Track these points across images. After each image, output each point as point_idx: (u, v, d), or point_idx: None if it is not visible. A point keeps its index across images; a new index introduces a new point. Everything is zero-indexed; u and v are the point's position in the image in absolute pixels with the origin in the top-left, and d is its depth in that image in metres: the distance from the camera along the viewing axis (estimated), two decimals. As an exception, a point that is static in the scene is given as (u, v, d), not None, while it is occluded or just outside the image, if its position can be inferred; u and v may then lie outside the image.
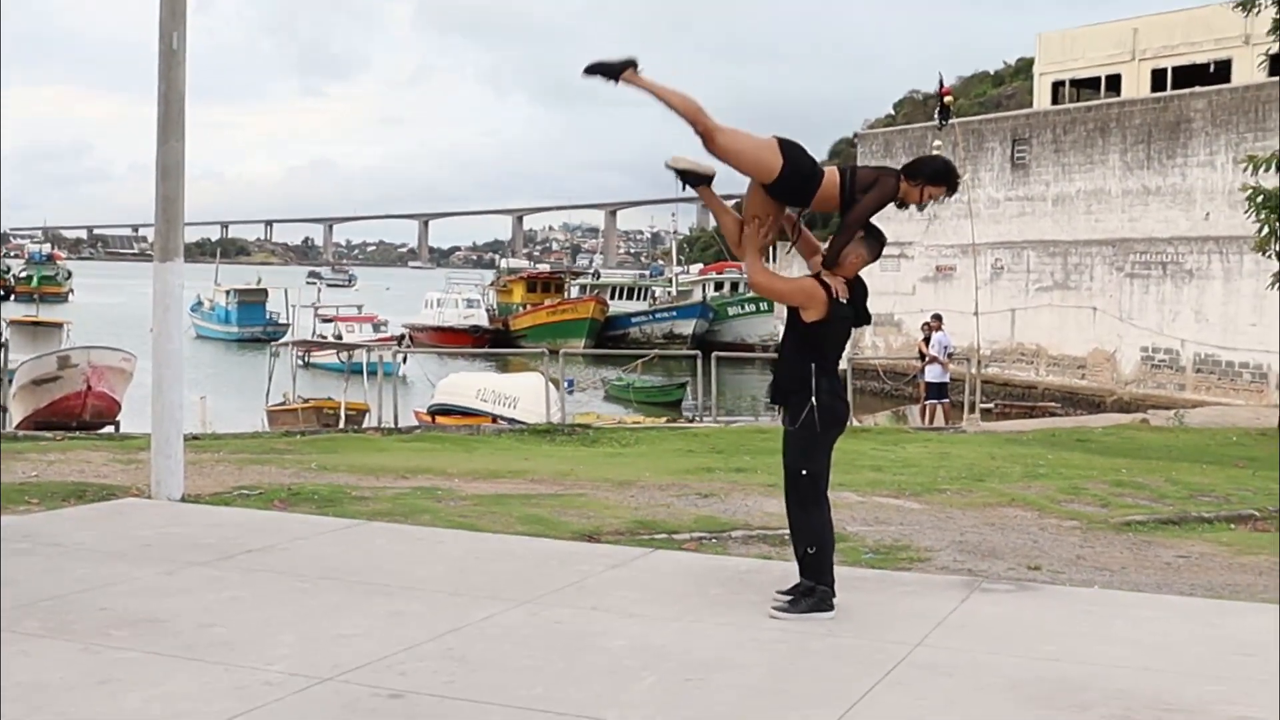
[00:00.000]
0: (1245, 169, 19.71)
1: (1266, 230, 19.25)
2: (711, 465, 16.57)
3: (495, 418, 27.34)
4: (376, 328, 70.46)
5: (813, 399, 7.56)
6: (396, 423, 22.33)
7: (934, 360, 28.38)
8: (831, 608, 7.64)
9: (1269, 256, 20.00)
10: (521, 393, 28.01)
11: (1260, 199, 18.61)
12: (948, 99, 32.29)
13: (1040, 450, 18.86)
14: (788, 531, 8.01)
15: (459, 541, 9.89)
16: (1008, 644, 7.16)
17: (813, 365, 7.60)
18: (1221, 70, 50.42)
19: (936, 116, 32.57)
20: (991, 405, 33.62)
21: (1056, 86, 59.04)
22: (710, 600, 8.01)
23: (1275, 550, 12.19)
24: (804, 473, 7.65)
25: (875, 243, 7.64)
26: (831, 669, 6.67)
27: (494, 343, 77.19)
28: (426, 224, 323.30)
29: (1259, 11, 20.06)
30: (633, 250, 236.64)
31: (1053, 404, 38.52)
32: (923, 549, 11.32)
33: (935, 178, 7.67)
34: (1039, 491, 14.91)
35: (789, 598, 7.66)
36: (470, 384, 31.07)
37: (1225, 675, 6.73)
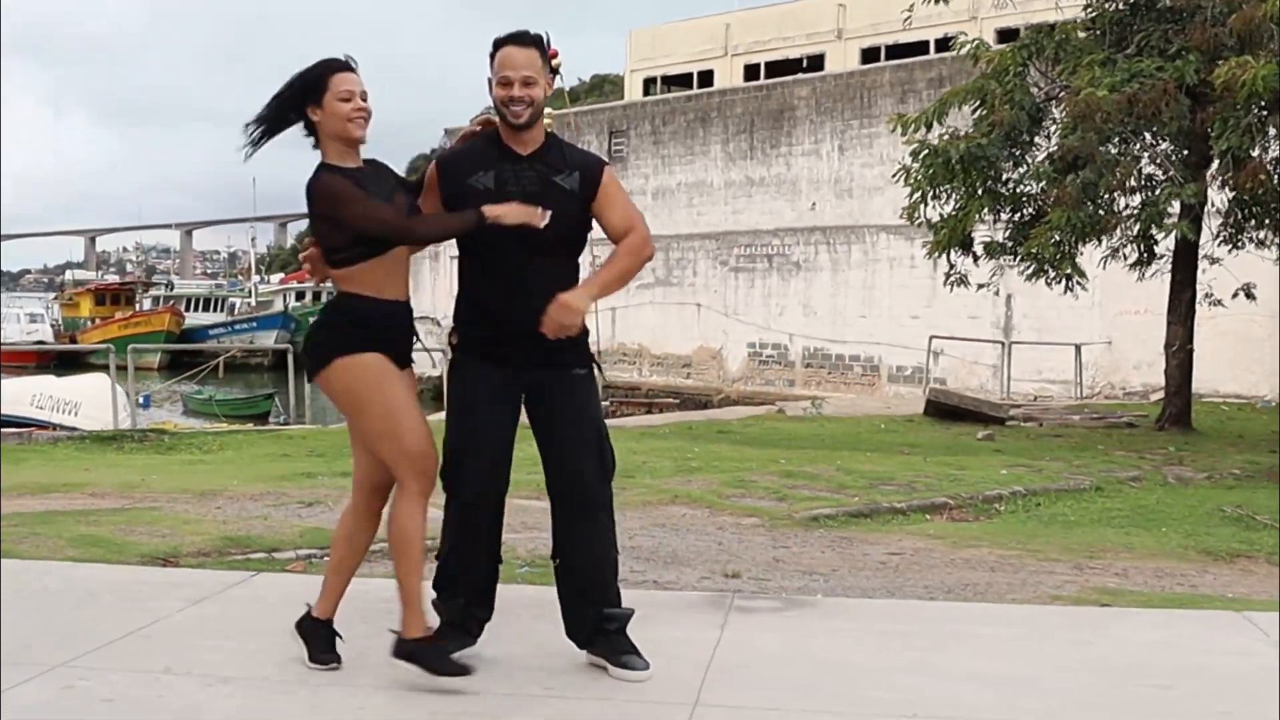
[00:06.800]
0: (893, 129, 18.08)
1: (919, 194, 17.61)
2: (312, 470, 14.16)
3: (55, 427, 23.68)
4: (-67, 350, 63.83)
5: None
6: (-65, 437, 18.64)
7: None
8: None
9: (918, 224, 18.40)
10: (83, 397, 24.34)
11: (924, 155, 16.91)
12: (555, 61, 30.37)
13: (682, 443, 16.91)
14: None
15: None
16: (824, 695, 4.74)
17: None
18: (815, 64, 50.16)
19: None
20: (607, 402, 31.56)
21: (648, 83, 58.07)
22: (347, 648, 5.30)
23: (995, 543, 10.73)
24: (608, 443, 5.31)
25: None
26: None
27: (60, 359, 71.53)
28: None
29: None
30: (210, 270, 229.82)
31: (669, 399, 36.90)
32: (593, 558, 9.01)
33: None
34: (702, 486, 13.22)
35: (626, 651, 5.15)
36: (25, 390, 26.91)
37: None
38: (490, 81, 5.22)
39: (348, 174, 5.04)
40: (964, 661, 5.31)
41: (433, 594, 5.35)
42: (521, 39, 5.20)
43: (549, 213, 4.96)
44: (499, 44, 5.20)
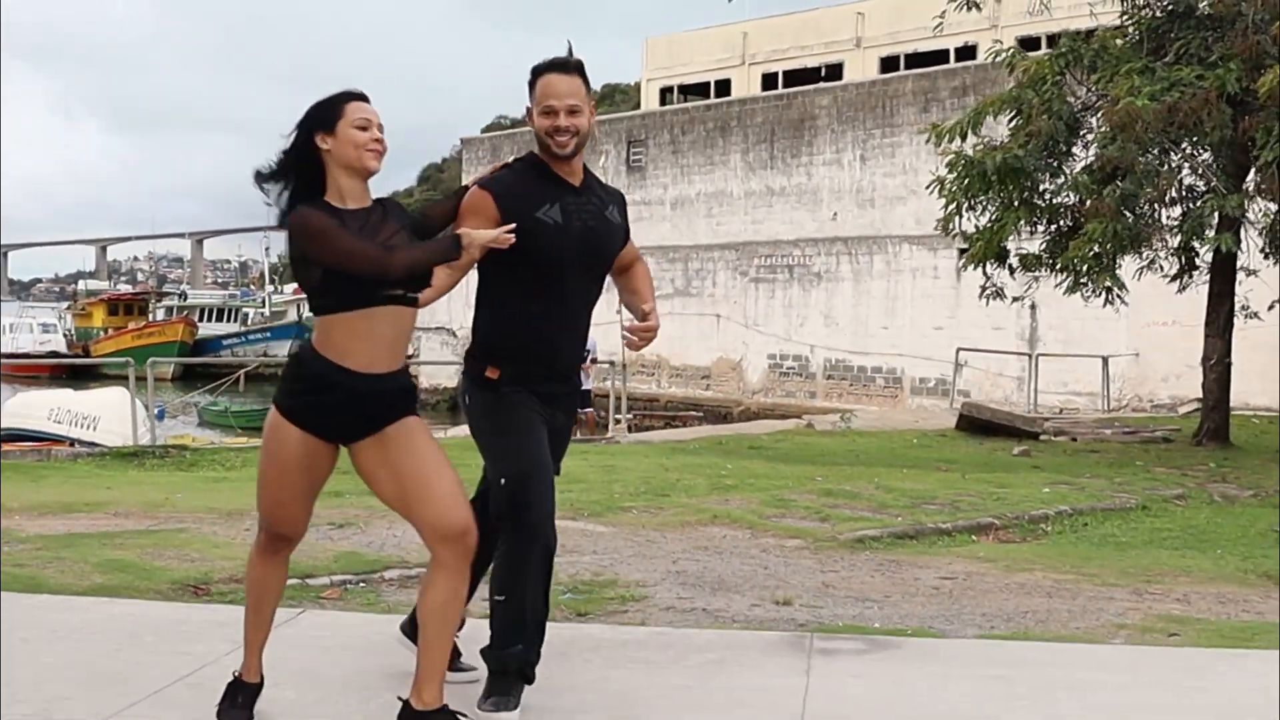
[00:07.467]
0: (928, 140, 17.84)
1: (953, 206, 17.35)
2: (340, 488, 13.59)
3: (73, 442, 23.39)
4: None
5: None
6: (-48, 453, 18.38)
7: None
8: None
9: (953, 236, 18.13)
10: (102, 411, 23.96)
11: (961, 165, 16.66)
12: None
13: (715, 459, 16.63)
14: None
15: (8, 608, 6.50)
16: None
17: None
18: (833, 73, 49.84)
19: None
20: (631, 414, 31.24)
21: (664, 92, 57.79)
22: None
23: (1048, 566, 10.43)
24: None
25: None
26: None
27: (73, 371, 71.34)
28: (5, 255, 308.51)
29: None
30: (221, 280, 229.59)
31: (691, 411, 36.57)
32: (634, 583, 9.04)
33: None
34: (741, 505, 12.88)
35: None
36: (41, 403, 26.54)
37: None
38: (530, 111, 4.97)
39: (332, 212, 4.60)
40: (1080, 711, 4.98)
41: (490, 644, 5.04)
42: (564, 66, 4.94)
43: (512, 236, 4.69)
44: (538, 71, 4.95)
